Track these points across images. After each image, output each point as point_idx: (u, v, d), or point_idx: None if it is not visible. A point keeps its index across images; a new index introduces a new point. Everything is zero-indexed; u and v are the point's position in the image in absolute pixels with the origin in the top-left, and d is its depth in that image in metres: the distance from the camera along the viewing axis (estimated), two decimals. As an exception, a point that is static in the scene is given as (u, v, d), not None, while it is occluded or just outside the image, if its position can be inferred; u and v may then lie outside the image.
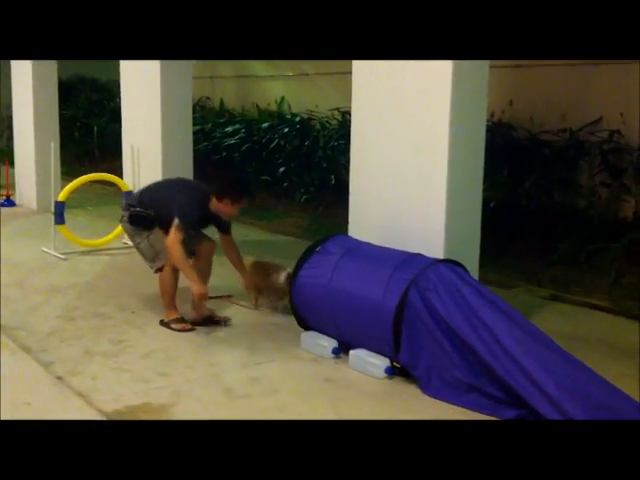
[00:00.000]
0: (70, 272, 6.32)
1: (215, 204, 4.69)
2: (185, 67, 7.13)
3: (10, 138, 10.55)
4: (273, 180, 9.68)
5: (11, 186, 9.81)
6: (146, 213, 4.78)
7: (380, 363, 4.01)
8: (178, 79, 7.06)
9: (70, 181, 6.99)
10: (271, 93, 10.93)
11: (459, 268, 4.07)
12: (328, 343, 4.31)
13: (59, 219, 6.77)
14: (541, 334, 3.69)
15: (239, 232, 4.87)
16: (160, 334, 4.74)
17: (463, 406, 3.65)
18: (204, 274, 4.84)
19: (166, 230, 4.58)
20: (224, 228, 4.91)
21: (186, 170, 7.21)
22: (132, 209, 4.85)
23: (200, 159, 8.85)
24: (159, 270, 4.80)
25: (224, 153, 10.34)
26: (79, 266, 6.56)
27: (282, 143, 9.77)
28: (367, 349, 4.12)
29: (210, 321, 4.86)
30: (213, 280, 5.04)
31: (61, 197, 6.77)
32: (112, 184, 7.70)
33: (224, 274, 5.24)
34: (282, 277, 4.93)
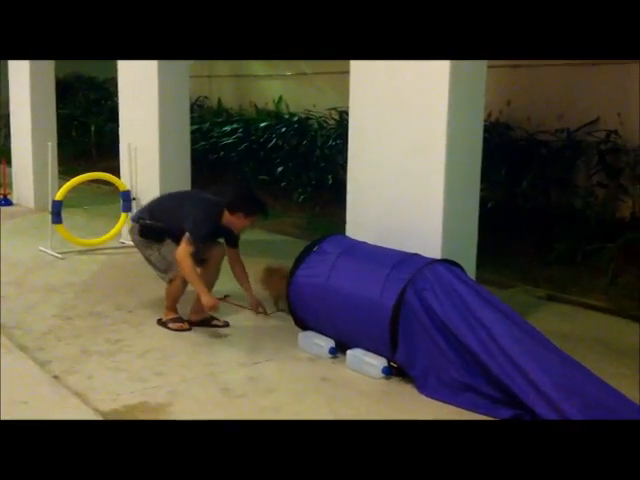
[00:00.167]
0: (67, 271, 6.31)
1: (227, 217, 4.66)
2: (183, 66, 7.12)
3: (7, 136, 10.53)
4: (271, 180, 9.68)
5: (8, 185, 9.80)
6: (157, 225, 4.73)
7: (377, 363, 4.01)
8: (176, 78, 7.05)
9: (67, 180, 6.99)
10: (269, 92, 10.93)
11: (456, 268, 4.07)
12: (325, 343, 4.31)
13: (56, 218, 6.76)
14: (538, 334, 3.70)
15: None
16: (157, 333, 4.74)
17: (459, 406, 3.65)
18: (212, 279, 4.83)
19: (178, 241, 4.54)
20: (232, 241, 4.87)
21: (183, 170, 7.21)
22: (142, 221, 4.80)
23: (198, 158, 8.87)
24: (171, 281, 4.77)
25: (222, 152, 10.35)
26: (76, 265, 6.55)
27: (280, 143, 9.77)
28: (364, 349, 4.12)
29: (209, 324, 4.84)
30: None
31: (58, 196, 6.76)
32: (109, 183, 7.70)
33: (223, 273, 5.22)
34: None
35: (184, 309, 4.88)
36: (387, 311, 3.89)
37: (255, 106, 10.96)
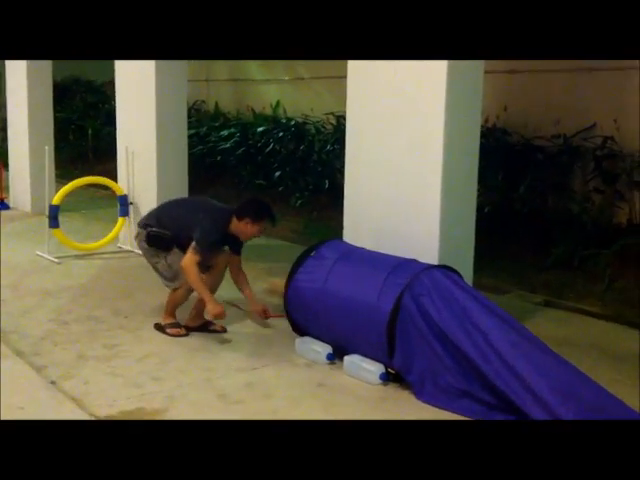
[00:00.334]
0: (64, 276, 6.31)
1: (235, 224, 4.63)
2: (180, 70, 7.12)
3: (4, 140, 10.52)
4: (268, 184, 9.68)
5: (5, 189, 9.79)
6: (164, 234, 4.69)
7: (375, 369, 4.02)
8: (173, 82, 7.06)
9: (65, 184, 6.99)
10: (266, 97, 10.94)
11: (453, 274, 4.08)
12: (322, 349, 4.32)
13: (53, 222, 6.75)
14: (535, 338, 3.71)
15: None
16: (154, 338, 4.73)
17: (456, 412, 3.65)
18: (215, 284, 4.81)
19: (185, 250, 4.53)
20: (236, 249, 4.83)
21: (181, 174, 7.21)
22: (149, 229, 4.75)
23: (195, 163, 8.86)
24: (176, 289, 4.75)
25: (219, 157, 10.35)
26: (73, 270, 6.55)
27: (277, 147, 9.78)
28: (361, 354, 4.12)
29: (206, 330, 4.84)
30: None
31: (55, 200, 6.76)
32: (107, 187, 7.69)
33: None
34: None
35: (182, 315, 4.88)
36: (384, 316, 3.90)
37: (252, 110, 10.97)
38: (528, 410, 3.35)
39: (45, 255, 6.84)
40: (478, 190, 4.84)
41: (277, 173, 9.58)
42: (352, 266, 4.34)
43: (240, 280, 4.90)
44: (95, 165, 12.15)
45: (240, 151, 10.12)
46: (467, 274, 4.48)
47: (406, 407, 3.76)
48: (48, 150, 7.45)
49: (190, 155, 7.59)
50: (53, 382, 3.97)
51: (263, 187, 9.65)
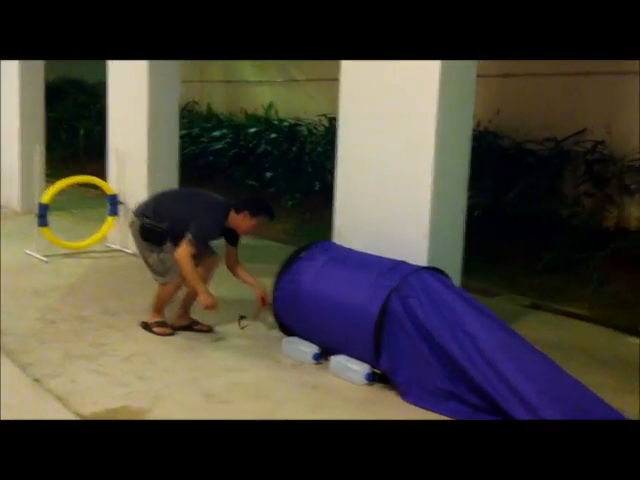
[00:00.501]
0: (52, 274, 6.27)
1: (233, 217, 4.59)
2: (173, 70, 7.11)
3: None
4: (260, 185, 9.68)
5: (-5, 187, 9.75)
6: (160, 228, 4.62)
7: (360, 369, 4.01)
8: (166, 82, 7.04)
9: (55, 183, 6.95)
10: (259, 98, 10.94)
11: (442, 276, 4.08)
12: (309, 349, 4.31)
13: (42, 221, 6.72)
14: (523, 340, 3.71)
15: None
16: (141, 338, 4.71)
17: (442, 413, 3.65)
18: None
19: (178, 243, 4.48)
20: (233, 240, 4.76)
21: (172, 174, 7.18)
22: (144, 220, 4.68)
23: (187, 163, 8.85)
24: (165, 284, 4.71)
25: (211, 158, 10.34)
26: (61, 268, 6.52)
27: (269, 148, 9.78)
28: (348, 355, 4.12)
29: (193, 329, 4.82)
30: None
31: (45, 199, 6.73)
32: (97, 187, 7.66)
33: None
34: None
35: (168, 314, 4.85)
36: (372, 317, 3.89)
37: (245, 112, 10.96)
38: (514, 412, 3.34)
39: (34, 254, 6.80)
40: (470, 193, 4.84)
41: (269, 174, 9.59)
42: (341, 268, 4.33)
43: (239, 270, 4.78)
44: (86, 165, 12.08)
45: (232, 152, 10.12)
46: (456, 276, 4.48)
47: (392, 408, 3.75)
48: (39, 149, 7.44)
49: (182, 156, 7.58)
50: (38, 380, 3.94)
51: (255, 188, 9.65)
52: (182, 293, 4.81)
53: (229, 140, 10.26)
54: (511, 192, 7.07)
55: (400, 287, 3.91)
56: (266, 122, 10.30)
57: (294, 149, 9.55)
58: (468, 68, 4.52)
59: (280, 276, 4.49)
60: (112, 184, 7.32)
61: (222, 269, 4.93)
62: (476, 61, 4.58)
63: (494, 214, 7.01)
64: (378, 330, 3.88)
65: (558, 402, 3.30)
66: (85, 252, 7.06)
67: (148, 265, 4.76)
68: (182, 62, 7.45)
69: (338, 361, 4.13)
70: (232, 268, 4.81)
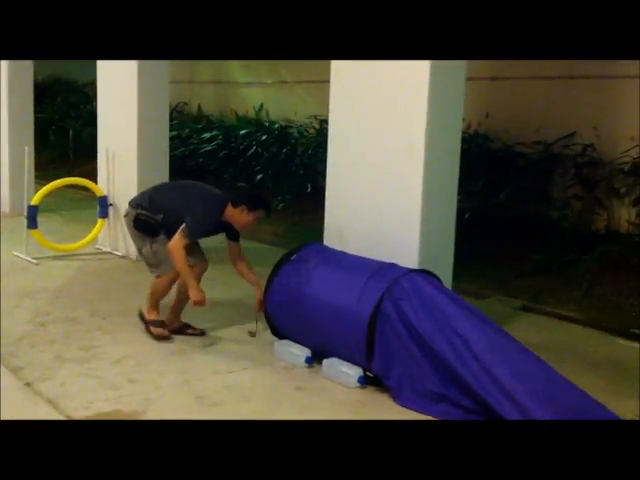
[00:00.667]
0: (42, 277, 6.24)
1: (230, 211, 4.55)
2: (163, 71, 7.09)
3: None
4: (250, 187, 9.66)
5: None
6: (154, 220, 4.60)
7: (353, 372, 4.01)
8: (156, 83, 7.01)
9: (44, 185, 6.92)
10: (250, 100, 10.92)
11: (433, 278, 4.09)
12: (301, 352, 4.30)
13: (32, 223, 6.69)
14: (515, 341, 3.73)
15: (215, 239, 4.83)
16: (132, 340, 4.69)
17: (434, 416, 3.66)
18: (186, 298, 4.64)
19: (172, 236, 4.44)
20: (233, 235, 4.74)
21: (162, 176, 7.14)
22: (139, 210, 4.65)
23: (176, 165, 8.81)
24: (159, 276, 4.69)
25: (201, 159, 10.30)
26: (51, 271, 6.48)
27: (260, 150, 9.76)
28: (340, 358, 4.12)
29: (184, 332, 4.80)
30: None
31: (34, 201, 6.70)
32: (87, 188, 7.63)
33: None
34: None
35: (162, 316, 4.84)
36: (363, 320, 3.89)
37: (235, 113, 10.94)
38: (506, 414, 3.35)
39: (23, 256, 6.77)
40: (460, 196, 4.85)
41: (259, 176, 9.57)
42: (332, 270, 4.33)
43: (241, 266, 4.74)
44: (76, 166, 12.04)
45: (222, 154, 10.09)
46: (446, 278, 4.49)
47: (385, 411, 3.76)
48: (28, 151, 7.39)
49: (172, 157, 7.54)
50: (29, 384, 3.92)
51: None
52: (173, 298, 4.80)
53: (219, 141, 10.23)
54: (501, 195, 7.09)
55: (392, 290, 3.91)
56: (257, 124, 10.29)
57: (285, 151, 9.54)
58: (457, 69, 4.53)
59: (271, 279, 4.48)
60: (102, 186, 7.29)
61: (212, 273, 4.94)
62: (465, 62, 4.60)
63: (484, 216, 7.03)
64: (370, 333, 3.88)
65: (550, 403, 3.32)
66: (75, 254, 7.02)
67: (141, 255, 4.76)
68: (172, 62, 7.43)
69: (330, 364, 4.13)
70: (235, 264, 4.77)
